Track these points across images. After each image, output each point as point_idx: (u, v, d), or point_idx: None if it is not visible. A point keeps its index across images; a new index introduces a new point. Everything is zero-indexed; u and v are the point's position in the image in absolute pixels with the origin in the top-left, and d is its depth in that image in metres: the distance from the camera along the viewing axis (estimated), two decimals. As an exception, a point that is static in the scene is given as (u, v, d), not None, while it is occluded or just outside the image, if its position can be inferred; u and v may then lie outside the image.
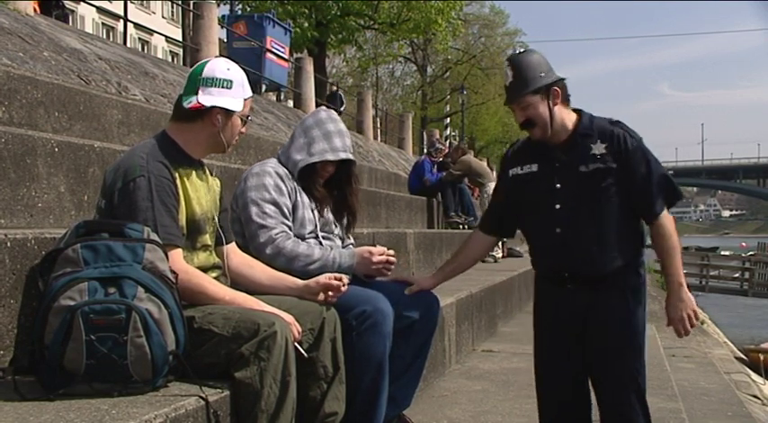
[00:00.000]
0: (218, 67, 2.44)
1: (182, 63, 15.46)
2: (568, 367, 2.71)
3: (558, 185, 2.64)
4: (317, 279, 2.59)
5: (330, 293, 2.58)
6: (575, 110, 2.70)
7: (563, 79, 2.65)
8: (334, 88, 20.00)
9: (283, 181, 2.89)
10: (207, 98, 2.38)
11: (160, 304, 2.04)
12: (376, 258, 2.91)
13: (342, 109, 16.88)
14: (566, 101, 2.65)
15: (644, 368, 2.70)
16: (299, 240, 2.85)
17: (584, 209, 2.61)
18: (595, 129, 2.63)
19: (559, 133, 2.64)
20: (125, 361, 1.97)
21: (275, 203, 2.83)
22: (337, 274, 2.61)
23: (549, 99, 2.59)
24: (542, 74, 2.59)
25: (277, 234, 2.80)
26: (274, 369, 2.18)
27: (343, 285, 2.58)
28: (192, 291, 2.29)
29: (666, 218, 2.62)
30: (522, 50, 2.74)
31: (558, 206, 2.64)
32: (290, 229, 2.85)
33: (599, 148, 2.59)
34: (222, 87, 2.40)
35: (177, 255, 2.29)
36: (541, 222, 2.71)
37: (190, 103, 2.39)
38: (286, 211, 2.86)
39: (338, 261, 2.87)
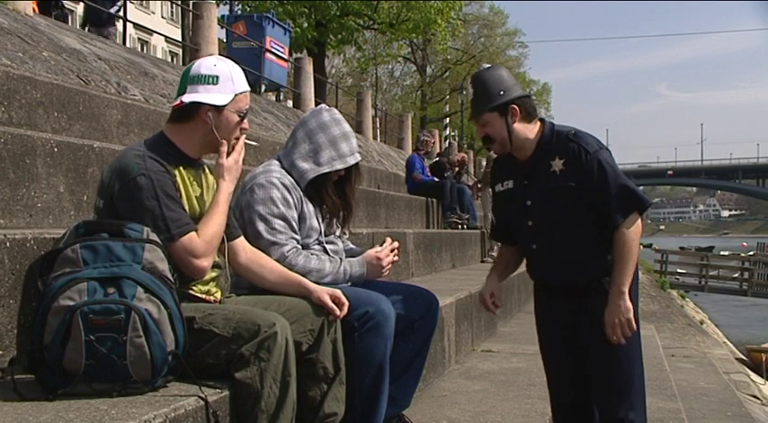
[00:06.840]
0: (205, 64, 2.42)
1: (181, 63, 15.46)
2: (566, 371, 2.74)
3: (529, 203, 2.68)
4: (319, 296, 2.53)
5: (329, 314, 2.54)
6: (539, 119, 2.67)
7: (527, 96, 2.65)
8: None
9: (290, 192, 2.84)
10: (189, 96, 2.37)
11: (160, 304, 2.04)
12: (385, 262, 2.94)
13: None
14: (527, 117, 2.63)
15: (639, 370, 2.68)
16: (310, 255, 2.83)
17: (553, 225, 2.63)
18: (555, 144, 2.61)
19: (523, 149, 2.64)
20: (124, 361, 1.97)
21: (284, 218, 2.80)
22: (342, 298, 2.55)
23: (507, 117, 2.59)
24: (502, 92, 2.59)
25: (288, 251, 2.77)
26: (274, 369, 2.18)
27: (341, 312, 2.54)
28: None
29: (627, 228, 2.54)
30: (486, 67, 2.71)
31: (530, 223, 2.69)
32: (298, 242, 2.84)
33: (558, 165, 2.59)
34: (208, 84, 2.38)
35: (196, 238, 2.29)
36: (522, 238, 2.77)
37: (174, 102, 2.40)
38: (294, 224, 2.83)
39: (349, 272, 2.88)
